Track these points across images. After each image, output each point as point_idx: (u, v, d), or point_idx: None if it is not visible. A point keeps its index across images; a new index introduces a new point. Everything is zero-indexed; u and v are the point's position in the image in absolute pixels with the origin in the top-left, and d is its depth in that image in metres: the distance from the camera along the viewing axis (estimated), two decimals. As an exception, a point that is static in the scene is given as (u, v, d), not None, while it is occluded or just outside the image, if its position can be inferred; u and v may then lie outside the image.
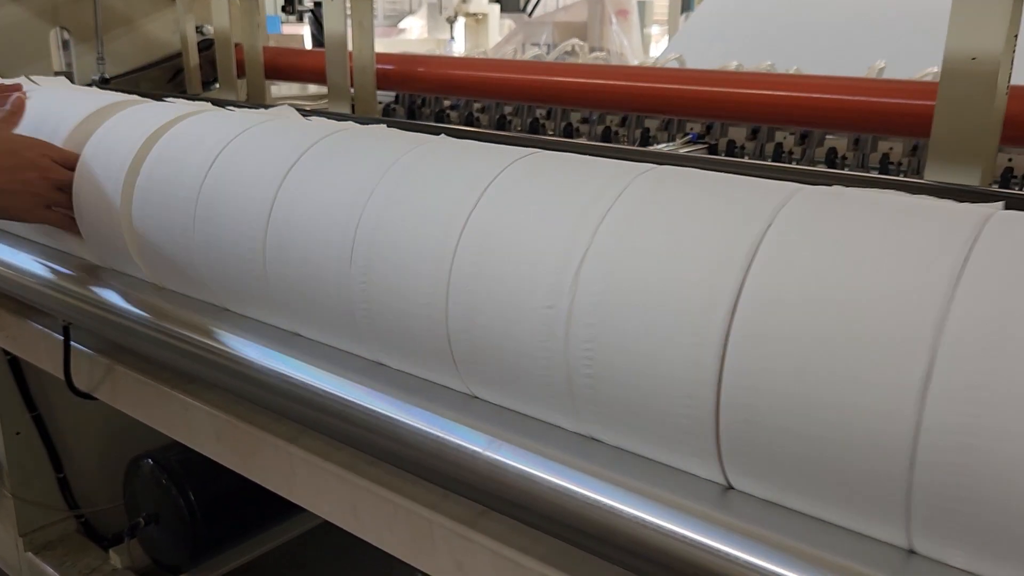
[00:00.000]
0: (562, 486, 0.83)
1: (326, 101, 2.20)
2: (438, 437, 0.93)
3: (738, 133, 2.22)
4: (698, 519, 0.77)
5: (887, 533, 0.71)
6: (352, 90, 2.15)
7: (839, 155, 2.08)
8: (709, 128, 2.27)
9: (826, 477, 0.71)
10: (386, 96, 2.73)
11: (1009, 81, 1.20)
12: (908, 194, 0.80)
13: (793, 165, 1.98)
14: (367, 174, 1.02)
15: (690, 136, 2.22)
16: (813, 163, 2.09)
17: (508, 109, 2.57)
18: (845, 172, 1.83)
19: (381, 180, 1.00)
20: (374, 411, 0.98)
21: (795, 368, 0.70)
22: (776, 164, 1.82)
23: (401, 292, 0.95)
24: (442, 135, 1.11)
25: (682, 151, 2.06)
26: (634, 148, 1.82)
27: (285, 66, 2.70)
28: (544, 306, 0.84)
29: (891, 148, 2.02)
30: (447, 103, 2.68)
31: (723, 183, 0.84)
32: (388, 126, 1.30)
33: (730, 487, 0.80)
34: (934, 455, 0.64)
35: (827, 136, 2.10)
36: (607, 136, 2.30)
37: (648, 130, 2.35)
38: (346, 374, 1.03)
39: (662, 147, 2.06)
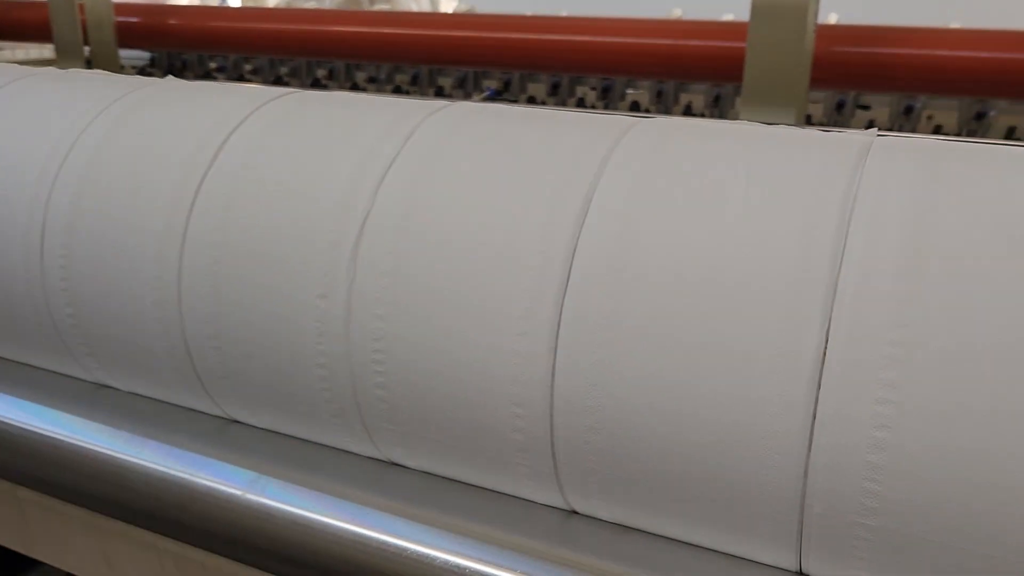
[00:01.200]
0: (351, 531, 0.62)
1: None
2: (182, 478, 0.69)
3: (538, 89, 2.07)
4: (534, 560, 0.58)
5: (780, 558, 0.55)
6: (88, 49, 1.79)
7: (642, 108, 1.98)
8: (508, 84, 2.11)
9: (697, 493, 0.54)
10: (139, 58, 2.36)
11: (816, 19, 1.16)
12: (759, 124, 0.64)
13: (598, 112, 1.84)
14: (67, 122, 0.75)
15: (488, 93, 2.05)
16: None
17: (285, 69, 2.29)
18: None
19: (86, 129, 0.73)
20: (92, 448, 0.72)
21: (654, 357, 0.53)
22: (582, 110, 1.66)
23: (116, 288, 0.69)
24: (168, 76, 0.85)
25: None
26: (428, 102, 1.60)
27: (8, 23, 2.26)
28: (316, 296, 0.61)
29: (691, 100, 1.95)
30: (213, 64, 2.35)
31: (542, 123, 0.65)
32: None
33: (574, 512, 0.62)
34: (832, 474, 0.49)
35: (628, 91, 2.00)
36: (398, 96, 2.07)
37: (442, 88, 2.15)
38: (56, 403, 0.76)
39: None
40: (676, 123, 0.62)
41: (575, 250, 0.55)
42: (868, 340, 0.48)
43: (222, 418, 0.74)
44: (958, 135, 1.78)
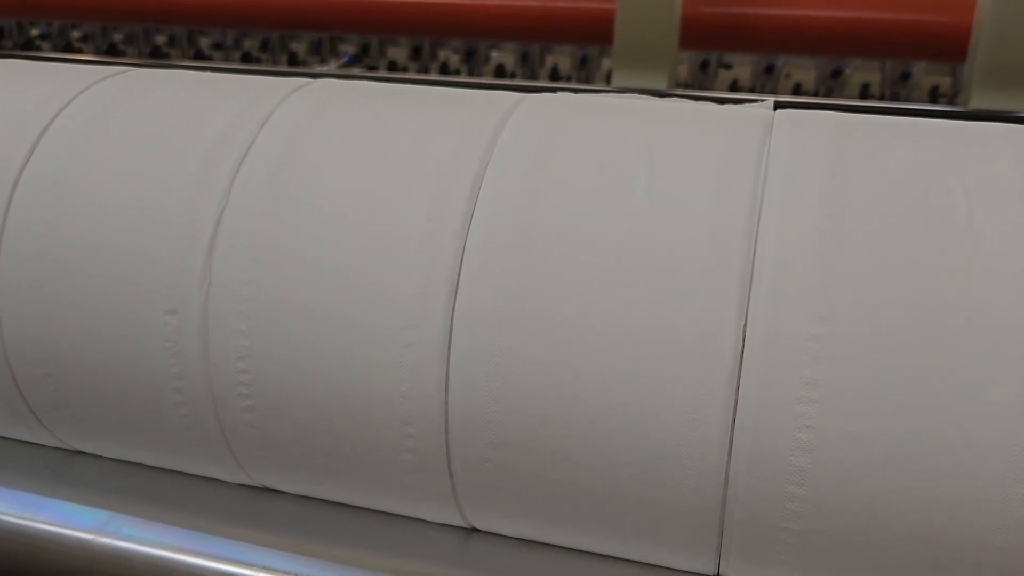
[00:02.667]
0: (220, 571, 0.55)
1: None
2: (18, 524, 0.59)
3: (399, 53, 1.98)
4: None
5: (697, 564, 0.52)
6: None
7: (507, 72, 1.93)
8: (366, 48, 2.00)
9: (610, 505, 0.50)
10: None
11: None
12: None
13: (464, 78, 1.77)
14: None
15: (345, 58, 1.94)
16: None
17: (119, 36, 2.09)
18: (520, 82, 1.65)
19: None
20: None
21: (558, 365, 0.47)
22: (446, 78, 1.59)
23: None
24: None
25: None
26: (282, 70, 1.49)
27: None
28: (164, 311, 0.53)
29: (557, 63, 1.90)
30: (35, 31, 2.13)
31: (419, 102, 0.58)
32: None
33: (474, 530, 0.57)
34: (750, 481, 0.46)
35: (493, 52, 1.94)
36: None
37: (296, 54, 2.02)
38: None
39: (319, 70, 1.75)
40: (567, 100, 0.56)
41: (464, 249, 0.49)
42: (787, 336, 0.45)
43: (64, 450, 0.64)
44: (815, 93, 1.81)
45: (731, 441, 0.46)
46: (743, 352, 0.46)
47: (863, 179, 0.47)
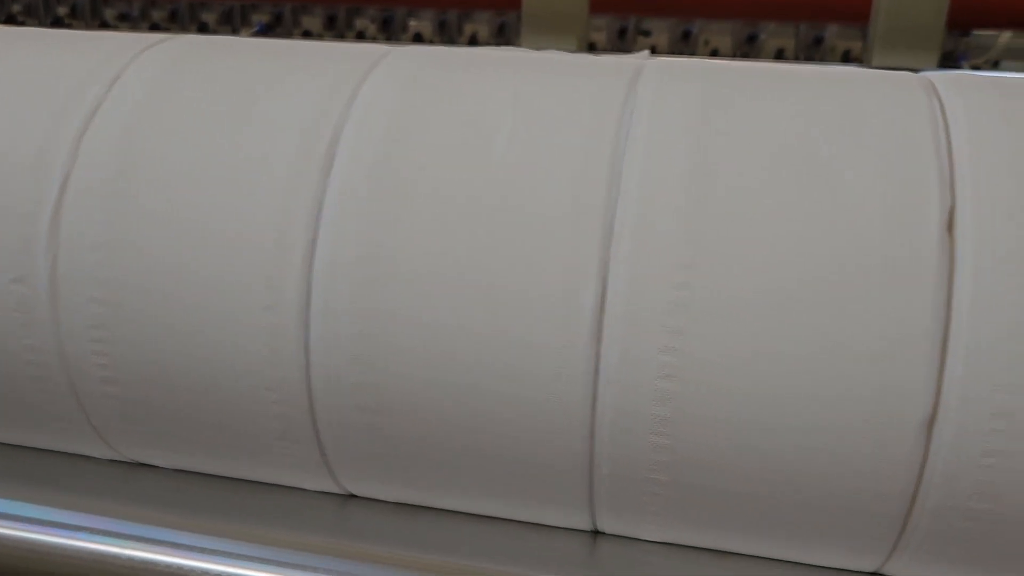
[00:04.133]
0: (91, 550, 0.53)
1: None
2: None
3: (313, 22, 1.93)
4: (308, 555, 0.51)
5: (573, 519, 0.51)
6: None
7: (426, 40, 1.89)
8: (279, 17, 1.95)
9: (482, 464, 0.49)
10: None
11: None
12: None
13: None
14: None
15: (257, 28, 1.88)
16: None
17: (18, 7, 2.00)
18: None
19: None
20: None
21: (422, 324, 0.46)
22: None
23: None
24: None
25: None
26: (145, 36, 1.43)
27: None
28: (9, 280, 0.50)
29: (476, 30, 1.88)
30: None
31: (283, 57, 0.55)
32: None
33: (352, 496, 0.55)
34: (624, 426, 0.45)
35: (411, 21, 1.90)
36: (154, 33, 1.87)
37: (206, 24, 1.96)
38: None
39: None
40: (434, 52, 0.55)
41: (322, 204, 0.48)
42: (650, 285, 0.44)
43: (-81, 432, 0.61)
44: (732, 58, 1.82)
45: (595, 394, 0.46)
46: (605, 303, 0.45)
47: (729, 126, 0.47)
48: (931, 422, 0.43)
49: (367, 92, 0.50)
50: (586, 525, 0.52)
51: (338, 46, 0.56)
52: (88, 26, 1.93)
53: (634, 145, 0.46)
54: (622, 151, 0.46)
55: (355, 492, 0.55)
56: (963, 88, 0.48)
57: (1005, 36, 1.64)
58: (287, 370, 0.48)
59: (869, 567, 0.50)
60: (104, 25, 1.93)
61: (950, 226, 0.43)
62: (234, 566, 0.52)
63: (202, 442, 0.53)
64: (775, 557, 0.51)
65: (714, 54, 1.81)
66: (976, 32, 1.68)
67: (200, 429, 0.52)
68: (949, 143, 0.45)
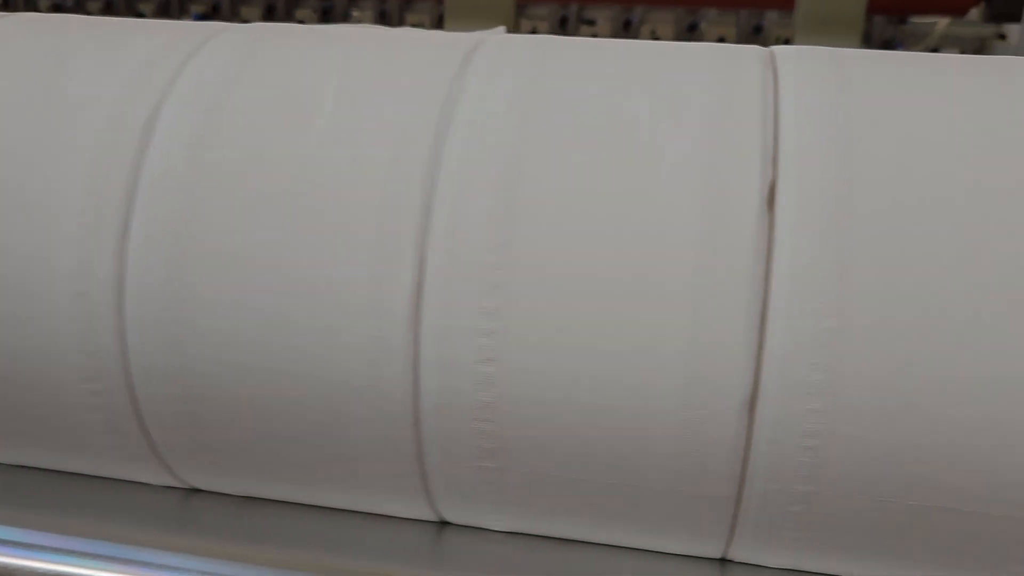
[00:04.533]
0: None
1: None
2: None
3: (252, 12, 1.90)
4: (144, 551, 0.50)
5: (415, 510, 0.50)
6: None
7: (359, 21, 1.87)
8: (216, 8, 1.92)
9: (314, 455, 0.47)
10: None
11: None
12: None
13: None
14: None
15: (193, 18, 1.86)
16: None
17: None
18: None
19: None
20: None
21: (233, 305, 0.44)
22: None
23: None
24: None
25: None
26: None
27: None
28: None
29: (420, 21, 1.86)
30: None
31: (100, 27, 0.53)
32: None
33: (196, 491, 0.54)
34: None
35: (352, 12, 1.88)
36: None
37: (143, 14, 1.93)
38: None
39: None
40: (270, 27, 0.53)
41: (137, 183, 0.46)
42: (466, 266, 0.43)
43: None
44: (676, 47, 1.81)
45: (416, 379, 0.44)
46: (422, 284, 0.43)
47: (552, 98, 0.45)
48: (752, 402, 0.42)
49: (192, 68, 0.49)
50: (431, 516, 0.51)
51: (175, 23, 0.54)
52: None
53: (458, 124, 0.45)
54: (445, 129, 0.45)
55: (195, 485, 0.53)
56: (801, 60, 0.47)
57: (942, 23, 1.64)
58: (104, 360, 0.46)
59: (713, 553, 0.49)
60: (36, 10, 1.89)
61: (771, 201, 0.42)
62: (67, 564, 0.50)
63: (29, 436, 0.51)
64: (620, 544, 0.50)
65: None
66: (913, 20, 1.68)
67: (26, 426, 0.50)
68: (777, 116, 0.44)
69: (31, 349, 0.47)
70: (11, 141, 0.47)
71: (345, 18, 1.87)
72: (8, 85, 0.48)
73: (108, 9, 1.88)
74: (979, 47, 1.56)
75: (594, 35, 1.82)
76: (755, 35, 1.75)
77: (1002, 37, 1.57)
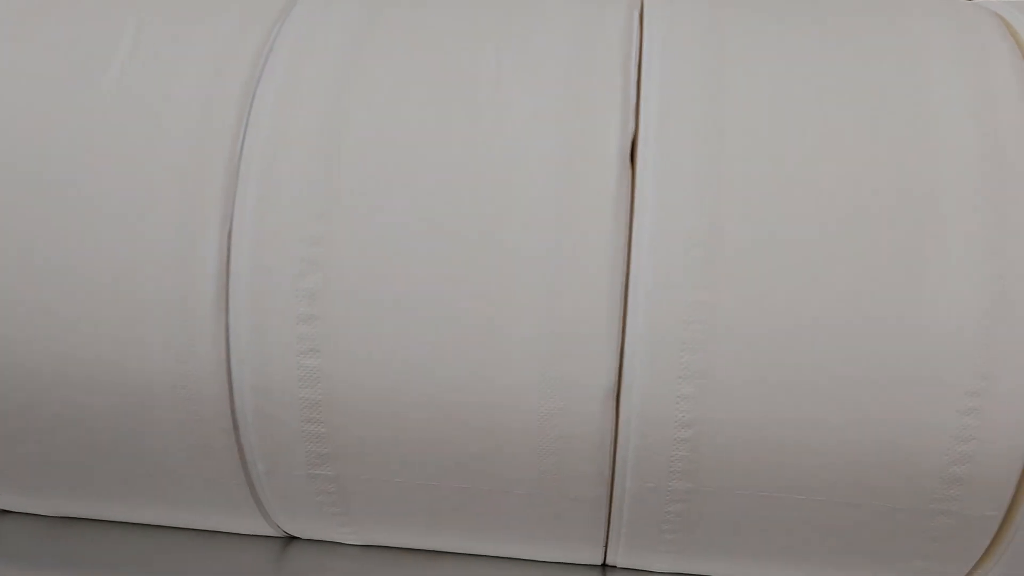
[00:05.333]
0: None
1: None
2: None
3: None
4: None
5: (251, 525, 0.43)
6: None
7: None
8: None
9: (132, 469, 0.41)
10: None
11: None
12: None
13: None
14: None
15: None
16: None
17: None
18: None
19: None
20: None
21: (10, 298, 0.37)
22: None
23: None
24: None
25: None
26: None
27: None
28: None
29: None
30: None
31: None
32: None
33: (5, 512, 0.46)
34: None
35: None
36: None
37: None
38: None
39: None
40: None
41: None
42: (280, 239, 0.36)
43: None
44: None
45: (229, 377, 0.37)
46: (228, 266, 0.37)
47: (381, 55, 0.39)
48: (617, 390, 0.36)
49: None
50: (273, 531, 0.45)
51: None
52: None
53: (268, 80, 0.38)
54: (252, 89, 0.38)
55: (8, 507, 0.46)
56: (670, 4, 0.41)
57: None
58: None
59: (592, 559, 0.43)
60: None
61: (632, 156, 0.36)
62: None
63: None
64: (491, 555, 0.44)
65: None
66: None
67: None
68: (640, 64, 0.38)
69: None
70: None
71: None
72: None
73: None
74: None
75: None
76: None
77: None
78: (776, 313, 0.34)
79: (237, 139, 0.37)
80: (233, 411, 0.38)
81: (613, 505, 0.39)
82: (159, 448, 0.39)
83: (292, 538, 0.46)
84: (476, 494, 0.39)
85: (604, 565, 0.44)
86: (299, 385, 0.37)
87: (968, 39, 0.38)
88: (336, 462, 0.39)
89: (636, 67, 0.38)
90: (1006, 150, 0.35)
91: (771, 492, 0.37)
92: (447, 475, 0.39)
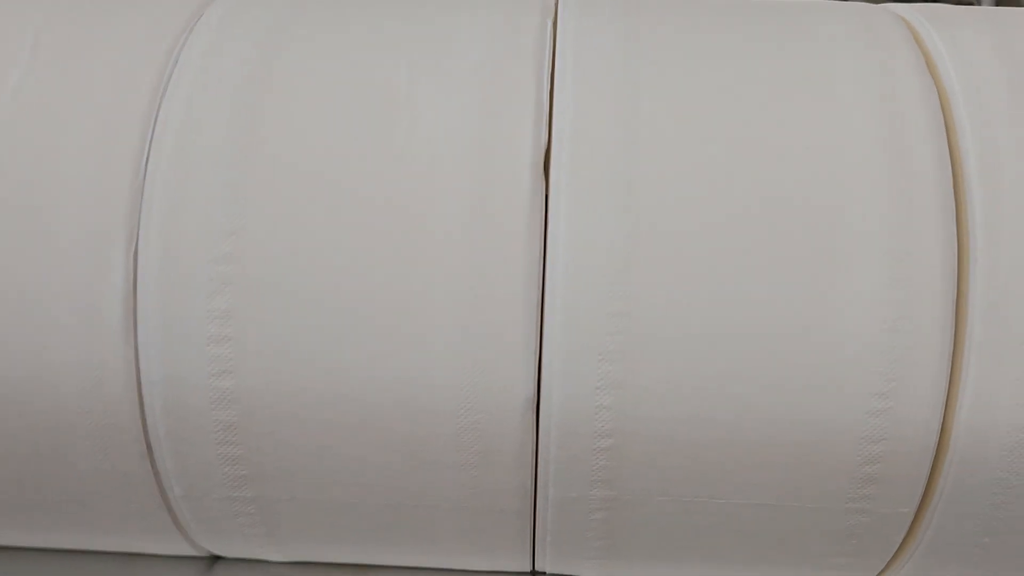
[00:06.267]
0: None
1: None
2: None
3: None
4: None
5: (174, 546, 0.43)
6: None
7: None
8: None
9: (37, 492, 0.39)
10: None
11: None
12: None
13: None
14: None
15: None
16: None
17: None
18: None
19: None
20: None
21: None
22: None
23: None
24: None
25: None
26: None
27: None
28: None
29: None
30: None
31: None
32: None
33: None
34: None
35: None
36: None
37: None
38: None
39: None
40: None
41: None
42: (190, 257, 0.35)
43: None
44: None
45: (140, 399, 0.37)
46: (135, 286, 0.36)
47: (292, 63, 0.38)
48: (536, 401, 0.36)
49: None
50: (197, 552, 0.44)
51: None
52: None
53: (179, 91, 0.37)
54: (160, 95, 0.37)
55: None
56: (584, 8, 0.41)
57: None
58: None
59: (521, 567, 0.43)
60: None
61: (546, 166, 0.36)
62: None
63: None
64: (421, 566, 0.44)
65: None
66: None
67: None
68: (553, 72, 0.38)
69: None
70: None
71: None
72: None
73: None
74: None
75: None
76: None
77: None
78: (692, 321, 0.35)
79: (141, 155, 0.36)
80: (146, 435, 0.37)
81: (537, 515, 0.39)
82: (73, 474, 0.38)
83: (218, 557, 0.45)
84: (401, 510, 0.39)
85: (534, 572, 0.44)
86: (213, 407, 0.36)
87: (874, 46, 0.39)
88: (256, 483, 0.38)
89: (549, 76, 0.38)
90: (910, 158, 0.35)
91: (692, 497, 0.37)
92: (371, 493, 0.38)
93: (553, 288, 0.35)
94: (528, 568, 0.43)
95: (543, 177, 0.36)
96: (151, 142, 0.36)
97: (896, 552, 0.39)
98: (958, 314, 0.35)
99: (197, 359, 0.36)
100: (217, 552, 0.44)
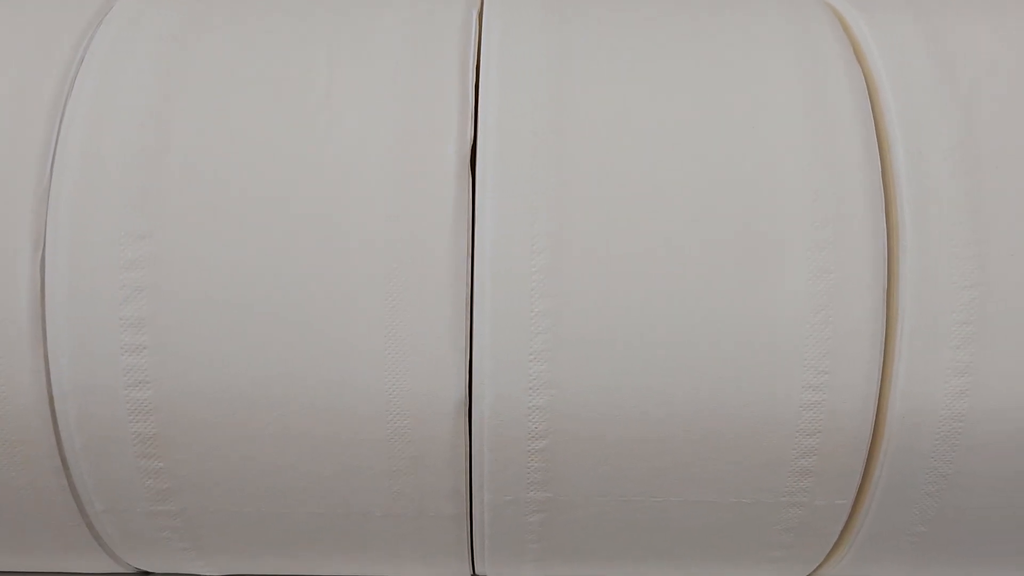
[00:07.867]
0: None
1: None
2: None
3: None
4: None
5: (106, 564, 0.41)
6: None
7: None
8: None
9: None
10: None
11: None
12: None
13: None
14: None
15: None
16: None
17: None
18: None
19: None
20: None
21: None
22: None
23: None
24: None
25: None
26: None
27: None
28: None
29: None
30: None
31: None
32: None
33: None
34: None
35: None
36: None
37: None
38: None
39: None
40: None
41: None
42: (99, 262, 0.34)
43: None
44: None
45: (52, 413, 0.35)
46: (44, 292, 0.34)
47: (205, 57, 0.37)
48: (467, 404, 0.35)
49: None
50: (122, 568, 0.42)
51: None
52: None
53: (79, 95, 0.36)
54: (64, 98, 0.35)
55: None
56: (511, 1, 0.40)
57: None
58: None
59: (460, 572, 0.42)
60: None
61: (472, 164, 0.35)
62: None
63: None
64: (359, 575, 0.43)
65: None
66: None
67: None
68: (479, 65, 0.37)
69: None
70: None
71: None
72: None
73: None
74: None
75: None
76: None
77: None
78: (621, 319, 0.34)
79: (46, 158, 0.35)
80: (61, 449, 0.35)
81: (474, 519, 0.38)
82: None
83: (145, 573, 0.43)
84: (332, 519, 0.38)
85: (474, 576, 0.43)
86: (131, 419, 0.35)
87: (803, 34, 0.38)
88: (179, 496, 0.37)
89: (474, 69, 0.37)
90: (838, 147, 0.35)
91: (628, 496, 0.36)
92: (299, 502, 0.37)
93: (481, 287, 0.34)
94: (468, 573, 0.43)
95: (469, 173, 0.35)
96: (56, 144, 0.35)
97: (835, 544, 0.39)
98: (889, 304, 0.34)
99: (111, 370, 0.34)
100: (144, 568, 0.42)
